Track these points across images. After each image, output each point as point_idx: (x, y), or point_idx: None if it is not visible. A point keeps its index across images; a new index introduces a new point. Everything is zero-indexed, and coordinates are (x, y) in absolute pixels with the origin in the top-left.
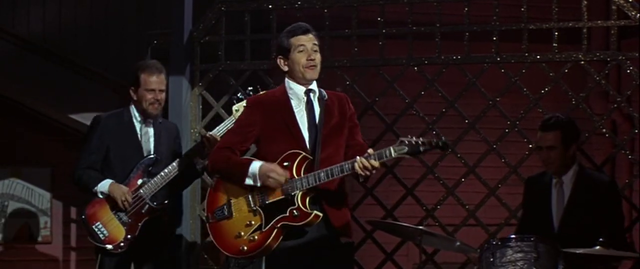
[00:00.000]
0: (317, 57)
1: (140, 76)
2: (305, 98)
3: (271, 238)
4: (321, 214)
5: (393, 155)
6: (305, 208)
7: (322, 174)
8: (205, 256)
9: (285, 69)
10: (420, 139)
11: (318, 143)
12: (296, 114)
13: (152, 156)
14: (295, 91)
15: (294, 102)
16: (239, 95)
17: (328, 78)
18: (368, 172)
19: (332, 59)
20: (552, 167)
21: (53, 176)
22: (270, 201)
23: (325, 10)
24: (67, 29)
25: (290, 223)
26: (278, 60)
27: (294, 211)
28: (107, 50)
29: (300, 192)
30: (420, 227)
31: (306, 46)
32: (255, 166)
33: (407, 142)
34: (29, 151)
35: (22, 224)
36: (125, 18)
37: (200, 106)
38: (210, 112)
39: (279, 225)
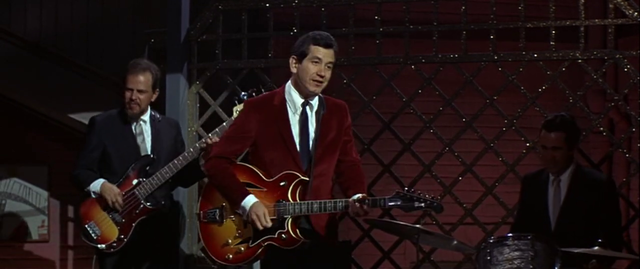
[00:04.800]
0: (328, 74)
1: (126, 75)
2: (301, 109)
3: (256, 254)
4: (307, 242)
5: (387, 206)
6: (295, 234)
7: (315, 206)
8: (203, 255)
9: (294, 70)
10: (418, 193)
11: (313, 163)
12: (291, 124)
13: (149, 156)
14: (294, 99)
15: (290, 111)
16: (242, 95)
17: None
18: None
19: None
20: (555, 168)
21: (50, 174)
22: None
23: (322, 9)
24: (64, 27)
25: (276, 245)
26: (290, 59)
27: (283, 235)
28: (104, 49)
29: (291, 218)
30: (418, 225)
31: (322, 60)
32: (249, 202)
33: (402, 195)
34: (26, 150)
35: (19, 223)
36: (122, 17)
37: (198, 105)
38: (207, 110)
39: (265, 244)
